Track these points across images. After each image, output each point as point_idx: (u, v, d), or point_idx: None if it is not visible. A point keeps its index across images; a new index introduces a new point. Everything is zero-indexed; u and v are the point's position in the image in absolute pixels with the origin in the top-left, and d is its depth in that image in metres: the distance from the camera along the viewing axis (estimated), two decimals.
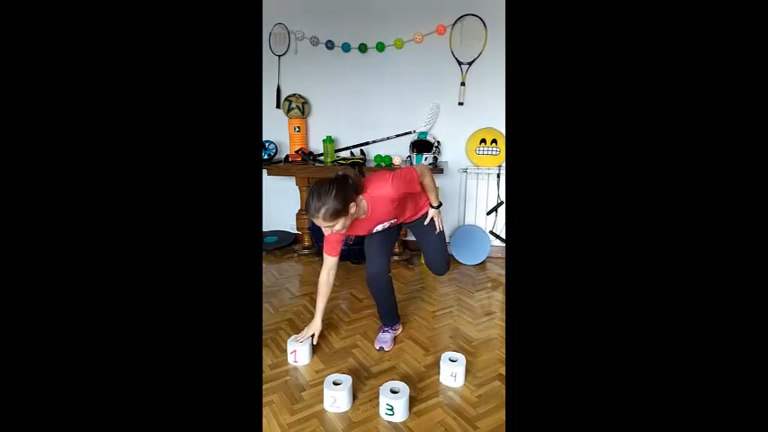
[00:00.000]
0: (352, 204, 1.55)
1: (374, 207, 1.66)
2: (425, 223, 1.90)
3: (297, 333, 2.02)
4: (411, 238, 3.05)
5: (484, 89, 2.87)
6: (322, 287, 1.86)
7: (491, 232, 3.05)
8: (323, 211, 1.49)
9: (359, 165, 2.79)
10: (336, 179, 1.55)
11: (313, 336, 1.89)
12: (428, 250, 2.00)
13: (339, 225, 1.55)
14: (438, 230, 1.92)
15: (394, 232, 1.94)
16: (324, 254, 1.83)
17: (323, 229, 1.59)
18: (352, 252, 2.86)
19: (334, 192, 1.50)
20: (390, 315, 2.01)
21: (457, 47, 2.84)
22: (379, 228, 1.78)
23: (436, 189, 1.90)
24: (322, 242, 2.98)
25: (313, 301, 2.42)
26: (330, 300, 2.46)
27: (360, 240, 1.94)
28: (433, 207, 1.90)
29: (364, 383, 1.71)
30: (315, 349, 1.93)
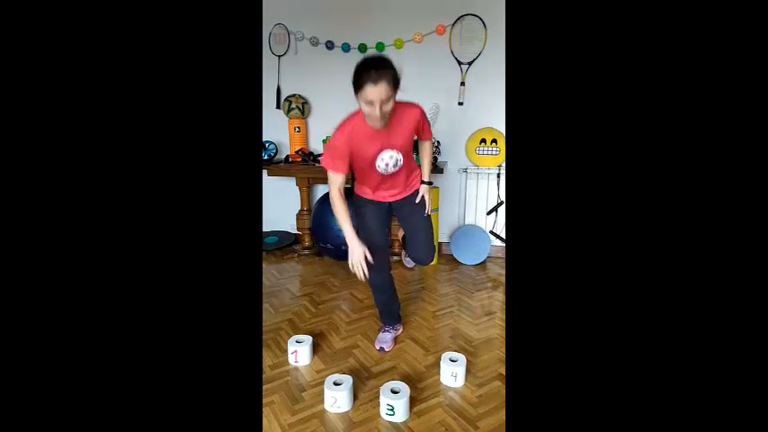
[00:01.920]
0: (397, 89, 1.50)
1: (398, 117, 1.63)
2: (416, 201, 1.84)
3: (297, 333, 2.02)
4: None
5: (484, 89, 2.87)
6: (341, 205, 1.64)
7: (491, 232, 3.05)
8: (389, 76, 1.43)
9: None
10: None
11: (365, 256, 1.64)
12: (416, 236, 1.90)
13: (392, 103, 1.49)
14: (427, 212, 1.86)
15: (386, 219, 1.89)
16: (331, 172, 1.63)
17: (373, 105, 1.46)
18: None
19: (390, 63, 1.46)
20: (392, 313, 2.00)
21: (457, 47, 2.84)
22: (384, 163, 1.64)
23: (431, 166, 1.89)
24: (322, 242, 2.94)
25: (313, 302, 2.42)
26: (330, 300, 2.49)
27: None
28: (424, 183, 1.85)
29: (365, 383, 1.71)
30: (315, 349, 1.93)
